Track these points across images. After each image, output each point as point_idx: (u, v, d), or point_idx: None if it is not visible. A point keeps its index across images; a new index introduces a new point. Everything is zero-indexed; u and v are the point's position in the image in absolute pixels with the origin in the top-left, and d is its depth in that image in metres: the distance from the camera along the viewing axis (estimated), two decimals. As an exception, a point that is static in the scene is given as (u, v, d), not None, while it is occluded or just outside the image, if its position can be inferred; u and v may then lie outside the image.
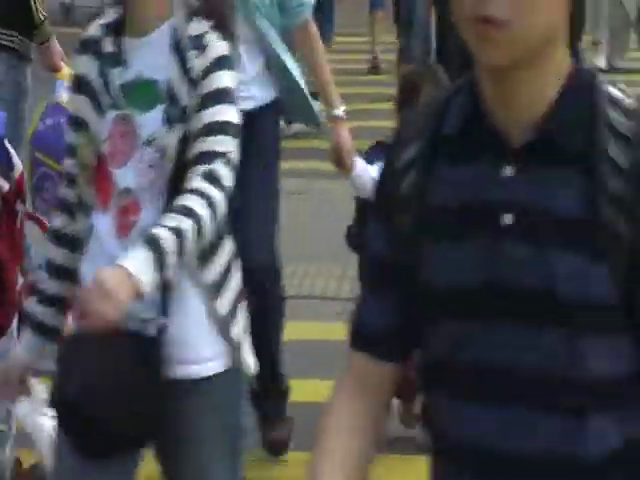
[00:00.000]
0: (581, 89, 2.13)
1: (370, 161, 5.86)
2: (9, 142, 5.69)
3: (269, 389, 6.34)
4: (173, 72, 3.96)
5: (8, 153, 5.53)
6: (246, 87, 5.54)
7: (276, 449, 6.57)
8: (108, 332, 3.91)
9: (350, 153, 5.82)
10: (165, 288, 3.94)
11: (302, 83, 6.14)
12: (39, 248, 6.12)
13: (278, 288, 6.41)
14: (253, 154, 5.52)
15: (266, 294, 6.03)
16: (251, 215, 5.90)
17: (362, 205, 5.93)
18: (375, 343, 2.33)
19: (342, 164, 5.85)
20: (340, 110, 5.94)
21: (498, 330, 2.12)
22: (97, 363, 4.04)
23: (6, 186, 5.69)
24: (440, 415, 2.29)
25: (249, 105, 5.68)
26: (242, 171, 4.23)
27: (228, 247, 4.21)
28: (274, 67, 6.04)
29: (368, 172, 5.75)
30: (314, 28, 6.02)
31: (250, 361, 4.25)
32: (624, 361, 2.12)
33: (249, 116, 5.23)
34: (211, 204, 3.85)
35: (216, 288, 4.08)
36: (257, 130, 5.80)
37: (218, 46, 4.00)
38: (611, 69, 16.14)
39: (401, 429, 6.75)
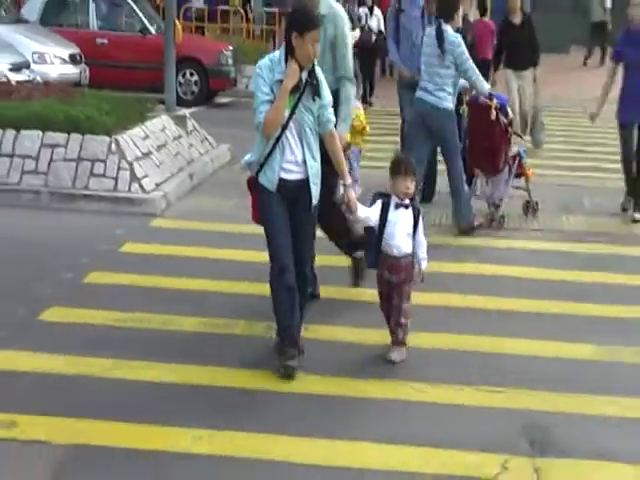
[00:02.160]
0: None
1: (372, 203, 8.81)
2: None
3: None
4: None
5: None
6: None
7: None
8: None
9: (355, 205, 8.57)
10: None
11: None
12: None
13: None
14: None
15: None
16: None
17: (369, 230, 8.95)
18: None
19: (351, 211, 8.71)
20: (348, 181, 8.59)
21: None
22: None
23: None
24: None
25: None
26: None
27: None
28: None
29: (369, 217, 8.71)
30: (335, 134, 8.62)
31: None
32: None
33: None
34: None
35: None
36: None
37: None
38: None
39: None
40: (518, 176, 14.05)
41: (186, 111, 18.44)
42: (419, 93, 13.33)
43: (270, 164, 8.28)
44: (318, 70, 8.35)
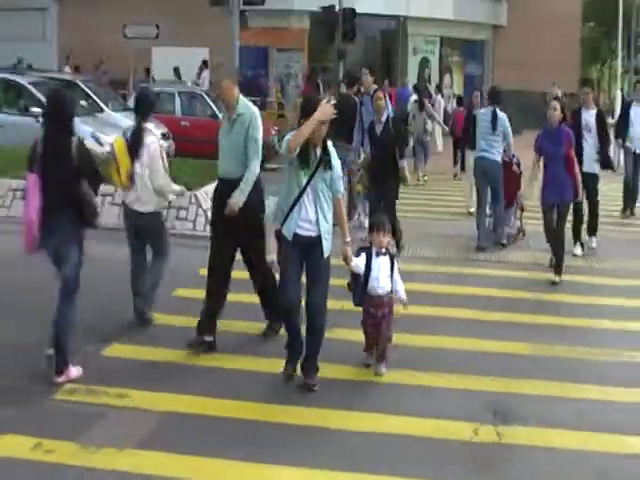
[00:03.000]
0: None
1: (357, 255, 8.50)
2: None
3: None
4: None
5: None
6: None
7: None
8: None
9: (351, 258, 8.30)
10: None
11: None
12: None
13: None
14: None
15: None
16: None
17: (355, 276, 8.58)
18: None
19: (347, 262, 8.33)
20: (348, 239, 8.23)
21: None
22: None
23: None
24: None
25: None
26: None
27: None
28: None
29: (358, 265, 8.43)
30: (341, 201, 8.34)
31: None
32: None
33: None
34: None
35: None
36: None
37: None
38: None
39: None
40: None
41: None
42: (481, 154, 14.52)
43: (289, 220, 8.03)
44: (330, 148, 8.09)
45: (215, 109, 24.33)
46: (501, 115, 14.43)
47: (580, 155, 13.30)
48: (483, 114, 14.77)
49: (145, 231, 9.87)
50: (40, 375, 8.16)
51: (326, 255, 8.08)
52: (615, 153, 17.53)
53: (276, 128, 26.55)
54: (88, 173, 8.12)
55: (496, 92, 15.19)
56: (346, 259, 8.25)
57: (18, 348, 8.82)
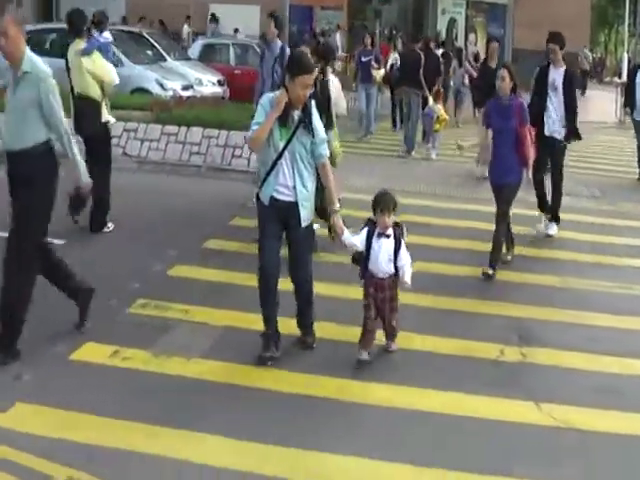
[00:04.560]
0: None
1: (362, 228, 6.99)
2: None
3: None
4: None
5: None
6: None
7: None
8: None
9: (341, 229, 6.79)
10: None
11: None
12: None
13: None
14: None
15: None
16: None
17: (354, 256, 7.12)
18: None
19: (337, 233, 6.85)
20: (336, 206, 6.80)
21: None
22: None
23: None
24: None
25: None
26: None
27: None
28: None
29: (350, 239, 6.86)
30: (327, 166, 6.89)
31: None
32: None
33: None
34: None
35: None
36: None
37: None
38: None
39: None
40: None
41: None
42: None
43: (266, 184, 6.77)
44: (313, 111, 6.79)
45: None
46: None
47: (542, 116, 10.91)
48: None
49: None
50: (118, 291, 8.17)
51: (304, 224, 6.86)
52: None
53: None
54: None
55: None
56: (335, 229, 6.89)
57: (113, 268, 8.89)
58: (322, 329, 7.28)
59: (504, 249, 9.69)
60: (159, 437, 5.65)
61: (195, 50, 25.62)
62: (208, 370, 6.62)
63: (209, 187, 11.14)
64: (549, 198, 11.30)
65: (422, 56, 17.41)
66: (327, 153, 6.92)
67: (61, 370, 6.67)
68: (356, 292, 7.28)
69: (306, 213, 6.83)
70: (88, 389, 6.34)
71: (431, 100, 16.91)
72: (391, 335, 7.19)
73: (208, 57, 24.74)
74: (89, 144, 10.27)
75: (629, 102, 16.43)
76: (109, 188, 10.54)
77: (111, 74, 10.54)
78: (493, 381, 6.71)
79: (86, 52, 10.31)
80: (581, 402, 6.37)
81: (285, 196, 6.75)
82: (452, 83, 22.85)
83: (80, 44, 10.37)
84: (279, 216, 6.79)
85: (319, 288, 7.35)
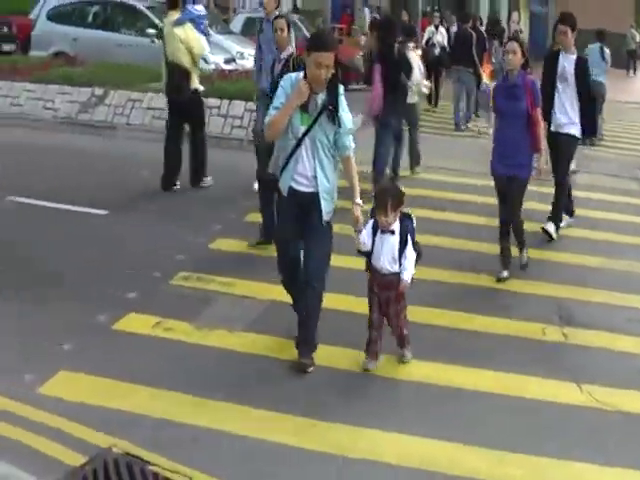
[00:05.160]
0: None
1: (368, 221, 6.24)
2: None
3: None
4: None
5: None
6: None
7: None
8: None
9: (360, 225, 6.11)
10: None
11: None
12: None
13: None
14: None
15: None
16: None
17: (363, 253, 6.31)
18: None
19: (357, 228, 6.13)
20: (358, 200, 6.10)
21: None
22: None
23: None
24: None
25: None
26: None
27: None
28: None
29: (364, 243, 6.15)
30: (351, 160, 6.21)
31: None
32: None
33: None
34: None
35: None
36: None
37: None
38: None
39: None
40: None
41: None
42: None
43: (285, 173, 6.14)
44: (341, 98, 6.06)
45: (305, 31, 24.05)
46: None
47: (549, 110, 9.46)
48: None
49: None
50: (161, 263, 8.17)
51: (326, 218, 6.16)
52: None
53: (361, 53, 26.42)
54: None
55: None
56: (356, 223, 6.12)
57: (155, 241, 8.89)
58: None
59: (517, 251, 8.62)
60: (200, 408, 5.64)
61: (237, 24, 25.62)
62: (251, 343, 6.60)
63: (251, 160, 10.87)
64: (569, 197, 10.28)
65: (473, 35, 17.60)
66: (352, 145, 6.21)
67: (104, 340, 6.68)
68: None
69: (327, 206, 6.13)
70: (130, 359, 6.34)
71: (484, 77, 16.94)
72: (402, 342, 6.44)
73: (250, 31, 24.70)
74: (183, 109, 11.07)
75: None
76: (205, 147, 11.44)
77: (200, 44, 11.16)
78: (535, 361, 6.62)
79: (179, 22, 10.94)
80: (624, 384, 6.26)
81: (305, 187, 6.11)
82: (493, 61, 22.76)
83: (174, 15, 11.05)
84: (298, 209, 6.18)
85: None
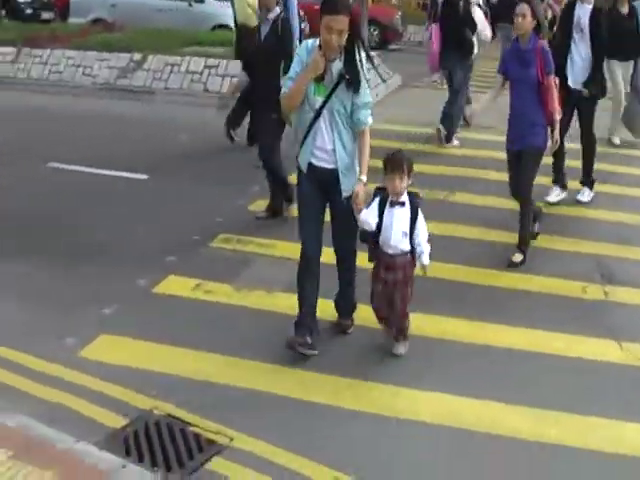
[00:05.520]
0: None
1: (372, 200, 5.72)
2: None
3: None
4: None
5: None
6: None
7: None
8: None
9: (361, 204, 5.46)
10: None
11: None
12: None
13: None
14: None
15: None
16: None
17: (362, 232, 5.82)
18: None
19: (357, 207, 5.47)
20: (364, 177, 5.46)
21: None
22: None
23: None
24: None
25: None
26: None
27: None
28: None
29: (366, 218, 5.59)
30: (366, 134, 5.60)
31: None
32: None
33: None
34: None
35: None
36: None
37: None
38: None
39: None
40: None
41: (373, 52, 18.05)
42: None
43: (304, 147, 5.71)
44: (360, 67, 5.49)
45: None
46: None
47: (564, 65, 8.94)
48: None
49: None
50: (200, 225, 8.17)
51: (345, 194, 5.65)
52: None
53: (399, 13, 26.21)
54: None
55: None
56: (356, 201, 5.46)
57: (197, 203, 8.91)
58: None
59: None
60: (239, 369, 5.63)
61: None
62: (290, 304, 6.57)
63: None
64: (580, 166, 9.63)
65: None
66: (369, 120, 5.63)
67: (144, 303, 6.69)
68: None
69: (348, 183, 5.63)
70: (170, 321, 6.35)
71: None
72: (400, 335, 5.96)
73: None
74: None
75: None
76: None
77: None
78: (576, 319, 6.54)
79: None
80: (666, 343, 6.19)
81: (325, 162, 5.65)
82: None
83: None
84: (320, 185, 5.74)
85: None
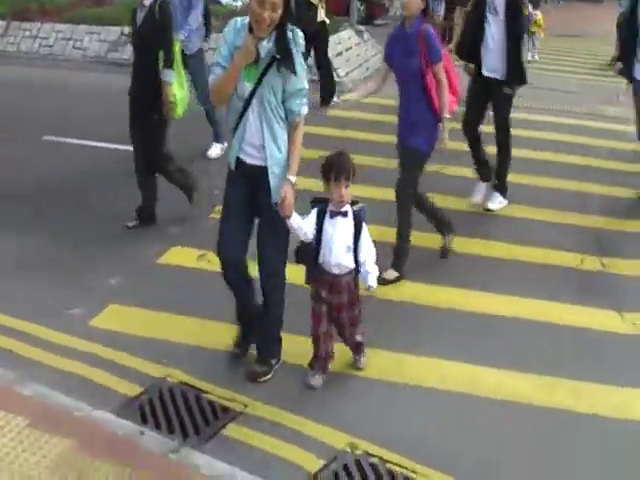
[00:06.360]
0: None
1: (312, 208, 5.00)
2: None
3: None
4: None
5: None
6: None
7: None
8: None
9: (290, 209, 4.70)
10: None
11: None
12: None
13: None
14: None
15: None
16: None
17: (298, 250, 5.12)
18: None
19: (284, 212, 4.72)
20: (292, 177, 4.72)
21: None
22: None
23: None
24: None
25: None
26: None
27: None
28: None
29: (300, 225, 4.85)
30: (299, 128, 4.81)
31: None
32: None
33: None
34: None
35: None
36: None
37: None
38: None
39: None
40: None
41: (362, 27, 18.01)
42: None
43: (233, 142, 4.91)
44: (294, 48, 4.69)
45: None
46: None
47: (477, 50, 7.89)
48: None
49: None
50: (201, 196, 8.14)
51: (275, 199, 4.80)
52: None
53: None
54: None
55: None
56: (283, 205, 4.70)
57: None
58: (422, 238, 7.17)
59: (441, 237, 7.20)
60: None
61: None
62: (294, 272, 6.55)
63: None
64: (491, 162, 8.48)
65: None
66: (303, 110, 4.84)
67: (150, 273, 6.72)
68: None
69: (277, 184, 4.80)
70: (177, 291, 6.36)
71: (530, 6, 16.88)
72: (357, 349, 5.37)
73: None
74: (311, 39, 11.37)
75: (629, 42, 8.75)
76: (332, 71, 13.08)
77: None
78: (574, 289, 6.59)
79: None
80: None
81: (253, 159, 4.86)
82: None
83: None
84: (247, 186, 4.94)
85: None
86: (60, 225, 7.65)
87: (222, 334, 5.63)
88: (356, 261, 5.02)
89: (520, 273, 6.91)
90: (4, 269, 6.77)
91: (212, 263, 6.73)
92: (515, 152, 8.27)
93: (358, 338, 5.27)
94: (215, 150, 9.98)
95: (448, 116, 6.43)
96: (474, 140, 8.19)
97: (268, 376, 5.22)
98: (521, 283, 6.66)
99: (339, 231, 4.96)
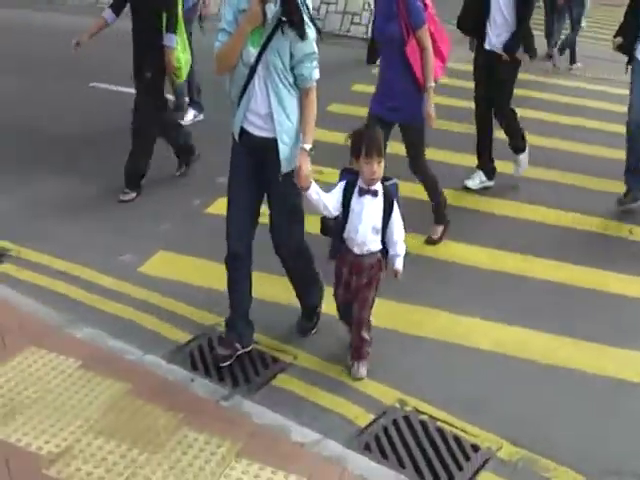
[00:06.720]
0: None
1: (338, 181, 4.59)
2: None
3: None
4: None
5: None
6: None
7: None
8: None
9: (306, 179, 4.30)
10: None
11: None
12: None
13: None
14: None
15: None
16: None
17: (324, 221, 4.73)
18: None
19: (300, 183, 4.33)
20: (307, 145, 4.32)
21: None
22: None
23: None
24: None
25: None
26: None
27: None
28: None
29: (320, 197, 4.43)
30: (311, 93, 4.46)
31: None
32: None
33: None
34: None
35: None
36: None
37: None
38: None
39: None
40: None
41: None
42: None
43: (238, 111, 4.56)
44: (300, 7, 4.36)
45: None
46: None
47: (483, 24, 7.33)
48: None
49: None
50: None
51: (285, 169, 4.47)
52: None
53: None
54: None
55: None
56: (299, 174, 4.31)
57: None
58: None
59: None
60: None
61: None
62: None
63: (328, 53, 10.72)
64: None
65: None
66: (315, 75, 4.49)
67: (198, 222, 6.73)
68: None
69: (288, 153, 4.47)
70: (224, 241, 6.32)
71: None
72: (357, 354, 4.79)
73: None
74: None
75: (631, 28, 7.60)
76: None
77: None
78: (623, 259, 6.51)
79: None
80: None
81: (259, 129, 4.53)
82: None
83: None
84: (254, 158, 4.61)
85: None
86: (110, 171, 7.62)
87: (271, 286, 5.60)
88: (384, 241, 4.61)
89: (569, 240, 6.86)
90: (55, 210, 6.84)
91: (262, 215, 6.73)
92: (565, 120, 8.13)
93: (364, 334, 4.77)
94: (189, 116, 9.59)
95: (433, 85, 5.92)
96: (482, 122, 7.67)
97: (313, 330, 5.22)
98: (570, 251, 6.59)
99: (367, 211, 4.51)
